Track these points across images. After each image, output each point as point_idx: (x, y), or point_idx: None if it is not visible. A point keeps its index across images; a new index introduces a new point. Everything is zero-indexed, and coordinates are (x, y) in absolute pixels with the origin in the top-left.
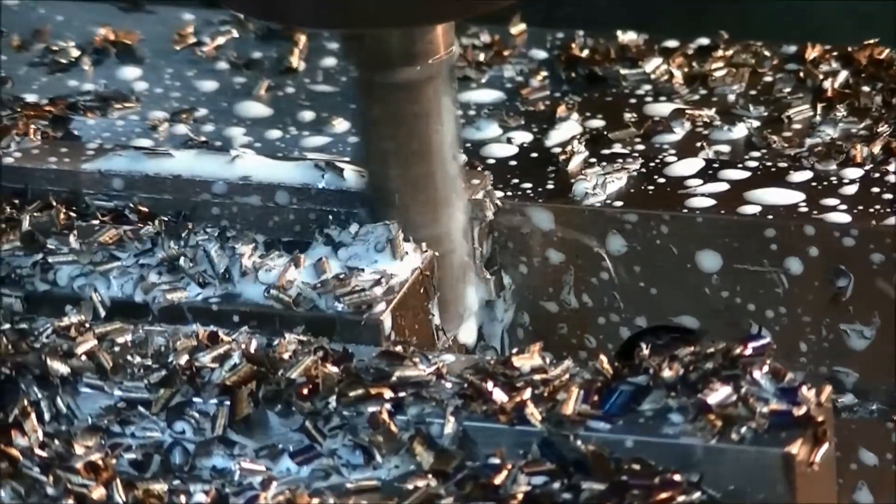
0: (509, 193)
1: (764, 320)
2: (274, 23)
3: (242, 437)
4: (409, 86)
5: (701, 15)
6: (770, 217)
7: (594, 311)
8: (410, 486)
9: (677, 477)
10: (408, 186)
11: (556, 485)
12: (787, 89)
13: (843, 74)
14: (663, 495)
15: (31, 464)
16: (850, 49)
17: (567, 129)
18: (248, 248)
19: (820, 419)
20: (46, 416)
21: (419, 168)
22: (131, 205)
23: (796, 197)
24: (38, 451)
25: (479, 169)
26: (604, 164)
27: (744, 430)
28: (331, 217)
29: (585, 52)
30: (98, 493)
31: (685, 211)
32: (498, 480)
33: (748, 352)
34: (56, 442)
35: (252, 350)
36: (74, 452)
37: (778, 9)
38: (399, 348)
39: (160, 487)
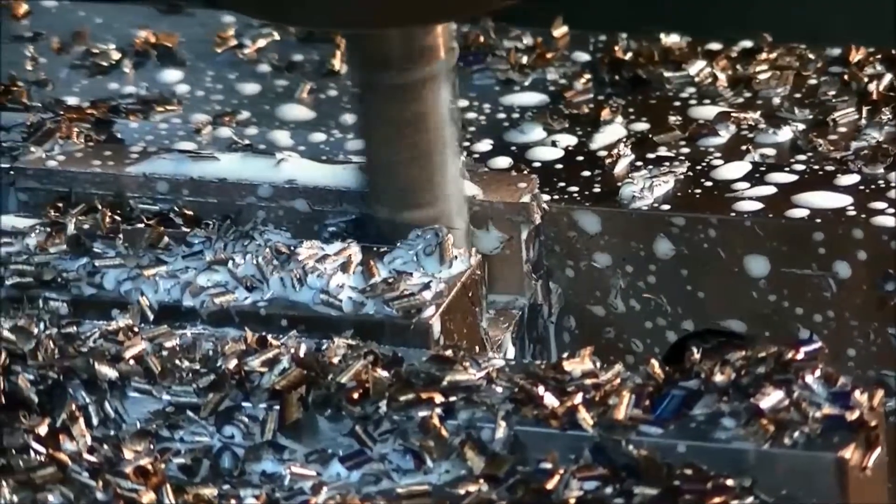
0: (556, 197)
1: (811, 324)
2: (273, 23)
3: (292, 442)
4: (409, 86)
5: (700, 15)
6: (818, 220)
7: (641, 315)
8: (461, 491)
9: (730, 482)
10: (408, 187)
11: (609, 490)
12: (832, 92)
13: (888, 77)
14: (716, 500)
15: (79, 469)
16: (894, 52)
17: (611, 132)
18: (300, 251)
19: (873, 423)
20: (94, 421)
21: (420, 168)
22: (176, 208)
23: (844, 200)
24: (86, 456)
25: (525, 172)
26: (650, 167)
27: (796, 434)
28: None
29: (629, 55)
30: (148, 498)
31: (733, 214)
32: (550, 485)
33: (800, 356)
34: (105, 447)
35: (301, 354)
36: (124, 457)
37: (778, 8)
38: (449, 352)
39: (210, 492)
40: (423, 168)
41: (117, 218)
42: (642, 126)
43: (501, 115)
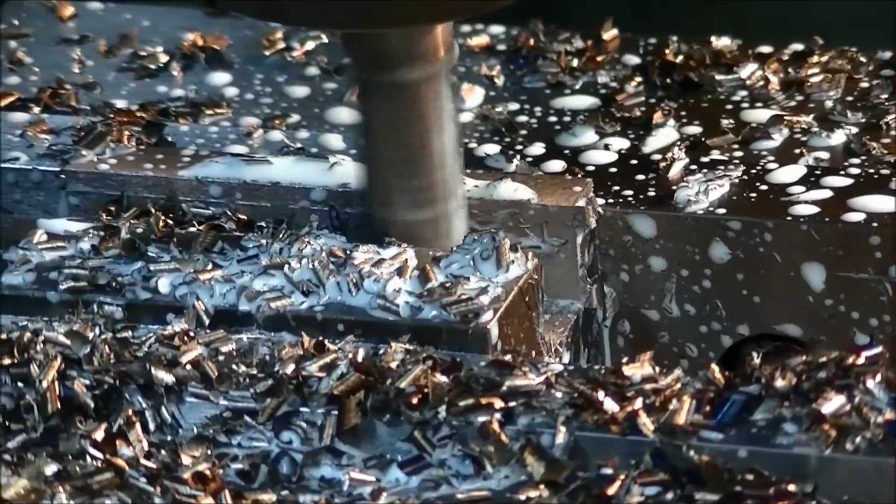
0: (610, 201)
1: (868, 328)
2: (273, 22)
3: (350, 447)
4: (408, 86)
5: (700, 15)
6: (874, 224)
7: (696, 320)
8: (522, 497)
9: (792, 487)
10: (407, 187)
11: (670, 495)
12: (884, 95)
13: None
14: None
15: (137, 474)
16: None
17: (664, 136)
18: (356, 255)
19: None
20: (151, 426)
21: (419, 168)
22: (229, 212)
23: None
24: (143, 462)
25: (580, 176)
26: (705, 170)
27: (858, 439)
28: None
29: (679, 58)
30: (206, 503)
31: (789, 219)
32: (611, 491)
33: (861, 361)
34: (162, 452)
35: (359, 359)
36: (181, 462)
37: (778, 8)
38: (508, 357)
39: (268, 498)
40: (423, 168)
41: (169, 222)
42: (695, 129)
43: (553, 118)
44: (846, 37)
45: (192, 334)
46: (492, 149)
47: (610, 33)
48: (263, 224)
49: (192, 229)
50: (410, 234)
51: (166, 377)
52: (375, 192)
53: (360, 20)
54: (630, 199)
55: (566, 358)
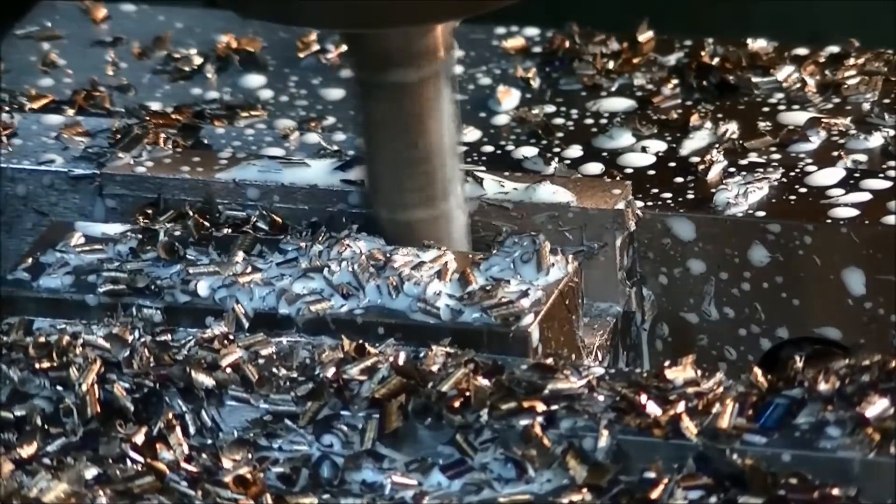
0: (649, 203)
1: None
2: (274, 22)
3: (392, 451)
4: (409, 86)
5: (700, 14)
6: None
7: (735, 323)
8: (565, 501)
9: (835, 491)
10: (407, 186)
11: (713, 499)
12: None
13: None
14: None
15: (178, 478)
16: None
17: (701, 138)
18: (395, 258)
19: None
20: (191, 430)
21: (419, 168)
22: (265, 213)
23: None
24: (184, 465)
25: (619, 178)
26: (744, 173)
27: None
28: None
29: (716, 60)
30: None
31: (829, 221)
32: (654, 495)
33: None
34: (203, 456)
35: (400, 362)
36: (222, 466)
37: (779, 8)
38: (550, 360)
39: (310, 501)
40: (423, 168)
41: (206, 224)
42: (732, 131)
43: (589, 121)
44: (846, 36)
45: (231, 337)
46: (529, 151)
47: (645, 35)
48: (300, 227)
49: (229, 231)
50: (410, 234)
51: (206, 380)
52: (376, 191)
53: (360, 20)
54: (669, 201)
55: (605, 361)
